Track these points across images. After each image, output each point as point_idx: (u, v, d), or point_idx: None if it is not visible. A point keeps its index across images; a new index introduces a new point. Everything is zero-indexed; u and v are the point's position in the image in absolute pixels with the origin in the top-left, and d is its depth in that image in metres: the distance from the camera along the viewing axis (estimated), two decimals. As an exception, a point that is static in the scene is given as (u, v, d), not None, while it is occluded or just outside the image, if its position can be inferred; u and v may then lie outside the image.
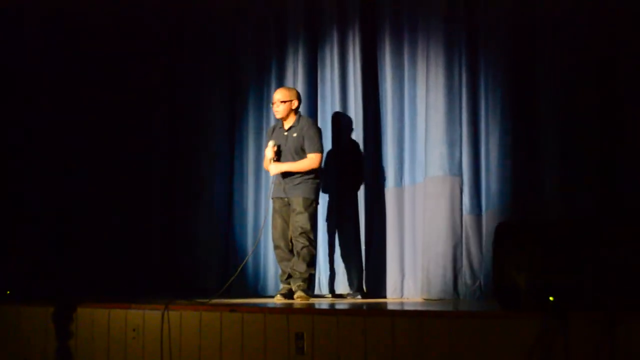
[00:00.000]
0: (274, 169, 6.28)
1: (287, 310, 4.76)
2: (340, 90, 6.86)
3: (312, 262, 6.25)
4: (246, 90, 7.56)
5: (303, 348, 4.47)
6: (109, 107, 7.59)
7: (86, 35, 7.57)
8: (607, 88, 5.59)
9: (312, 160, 6.25)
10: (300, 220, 6.16)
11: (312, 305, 5.55)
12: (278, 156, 6.34)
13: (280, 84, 7.23)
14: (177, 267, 7.61)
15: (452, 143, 6.20)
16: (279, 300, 6.13)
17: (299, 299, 6.05)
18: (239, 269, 6.32)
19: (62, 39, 7.51)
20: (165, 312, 5.04)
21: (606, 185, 5.52)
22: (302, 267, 6.15)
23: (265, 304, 5.64)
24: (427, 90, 6.34)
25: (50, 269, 7.00)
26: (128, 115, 7.72)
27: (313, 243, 6.23)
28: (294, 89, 6.59)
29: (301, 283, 6.15)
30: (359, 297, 6.54)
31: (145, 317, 5.17)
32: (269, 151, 6.35)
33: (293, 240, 6.25)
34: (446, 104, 6.24)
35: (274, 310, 4.82)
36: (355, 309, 4.98)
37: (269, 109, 7.32)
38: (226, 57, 7.69)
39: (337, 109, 6.85)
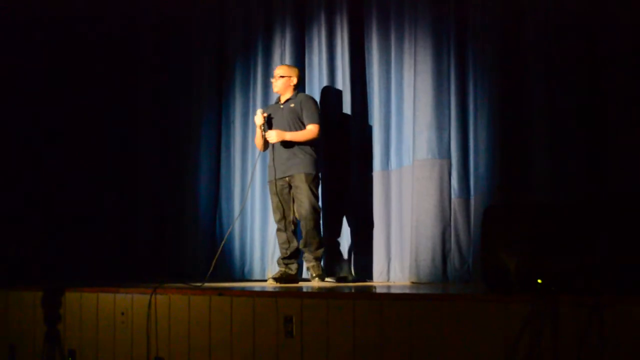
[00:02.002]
0: (275, 136, 6.20)
1: (276, 293, 4.75)
2: (327, 74, 6.82)
3: (320, 244, 6.27)
4: (233, 73, 7.53)
5: (292, 331, 4.48)
6: (96, 93, 7.56)
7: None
8: (597, 73, 5.58)
9: (311, 131, 6.26)
10: (305, 195, 6.17)
11: (301, 288, 5.55)
12: (269, 126, 6.30)
13: (267, 67, 7.21)
14: (165, 253, 7.59)
15: (441, 126, 6.17)
16: (270, 284, 6.12)
17: (315, 283, 6.16)
18: (222, 244, 6.49)
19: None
20: (154, 296, 5.04)
21: (596, 170, 5.52)
22: (312, 248, 6.22)
23: (253, 287, 5.63)
24: (415, 74, 6.30)
25: (39, 254, 6.99)
26: (114, 97, 7.69)
27: (319, 220, 6.26)
28: (296, 67, 6.59)
29: (315, 264, 6.22)
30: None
31: (133, 300, 5.17)
32: (258, 118, 6.29)
33: (301, 221, 6.25)
34: (434, 87, 6.20)
35: (263, 293, 4.82)
36: (344, 293, 4.98)
37: (255, 92, 7.31)
38: (214, 40, 7.65)
39: (325, 92, 6.83)
